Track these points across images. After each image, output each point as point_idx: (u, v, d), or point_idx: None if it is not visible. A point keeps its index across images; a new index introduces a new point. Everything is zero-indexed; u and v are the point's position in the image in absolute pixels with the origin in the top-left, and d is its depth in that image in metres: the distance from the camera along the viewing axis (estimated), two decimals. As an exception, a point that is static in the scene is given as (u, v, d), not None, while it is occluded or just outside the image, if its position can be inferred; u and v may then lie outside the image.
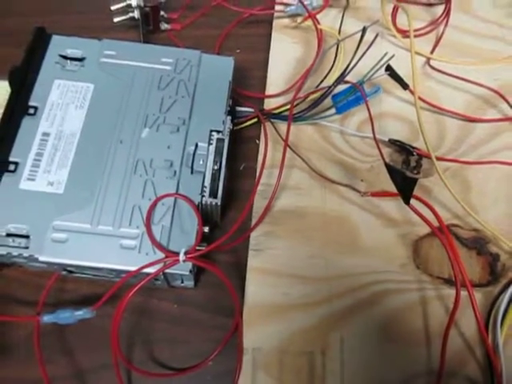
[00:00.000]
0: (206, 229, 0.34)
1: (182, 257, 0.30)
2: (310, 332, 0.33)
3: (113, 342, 0.32)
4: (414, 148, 0.37)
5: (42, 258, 0.31)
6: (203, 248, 0.32)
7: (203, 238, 0.33)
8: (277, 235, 0.36)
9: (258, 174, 0.37)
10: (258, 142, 0.40)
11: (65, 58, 0.37)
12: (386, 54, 0.35)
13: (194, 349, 0.34)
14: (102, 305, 0.31)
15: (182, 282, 0.35)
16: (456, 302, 0.32)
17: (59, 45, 0.37)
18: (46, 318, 0.32)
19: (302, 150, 0.39)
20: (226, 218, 0.38)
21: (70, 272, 0.34)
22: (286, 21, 0.46)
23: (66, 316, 0.32)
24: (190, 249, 0.31)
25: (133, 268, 0.31)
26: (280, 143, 0.38)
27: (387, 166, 0.32)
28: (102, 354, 0.34)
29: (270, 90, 0.42)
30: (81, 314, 0.31)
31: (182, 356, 0.34)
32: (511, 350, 0.32)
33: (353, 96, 0.35)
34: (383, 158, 0.33)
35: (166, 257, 0.31)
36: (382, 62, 0.35)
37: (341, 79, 0.35)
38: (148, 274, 0.31)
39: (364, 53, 0.34)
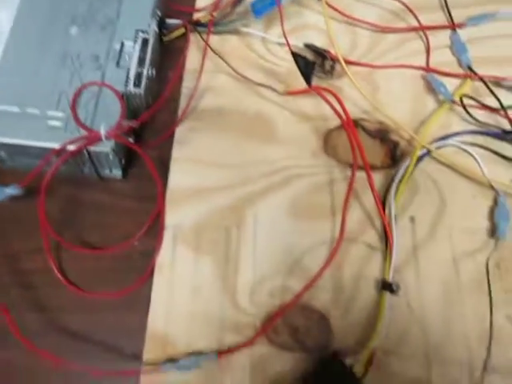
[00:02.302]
0: (135, 124, 0.36)
1: (103, 131, 0.33)
2: (226, 210, 0.36)
3: (41, 218, 0.34)
4: (326, 51, 0.40)
5: (-30, 136, 0.33)
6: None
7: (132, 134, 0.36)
8: (199, 130, 0.39)
9: (183, 77, 0.40)
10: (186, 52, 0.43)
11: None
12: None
13: (122, 232, 0.37)
14: (34, 194, 0.34)
15: (111, 171, 0.38)
16: (352, 176, 0.36)
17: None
18: (-24, 195, 0.34)
19: (226, 57, 0.42)
20: (154, 119, 0.41)
21: (1, 161, 0.36)
22: None
23: (-5, 192, 0.34)
24: (111, 128, 0.34)
25: (58, 145, 0.33)
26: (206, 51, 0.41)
27: (292, 53, 0.35)
28: (34, 239, 0.36)
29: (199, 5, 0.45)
30: (9, 190, 0.34)
31: (111, 239, 0.36)
32: (402, 222, 0.36)
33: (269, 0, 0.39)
34: (290, 48, 0.36)
35: (89, 135, 0.34)
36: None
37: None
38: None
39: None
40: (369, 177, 0.36)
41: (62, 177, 0.37)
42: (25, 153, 0.35)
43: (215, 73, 0.41)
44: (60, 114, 0.34)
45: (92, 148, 0.34)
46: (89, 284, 0.35)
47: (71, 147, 0.33)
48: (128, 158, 0.38)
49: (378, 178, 0.37)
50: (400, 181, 0.36)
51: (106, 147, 0.34)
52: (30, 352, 0.31)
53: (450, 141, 0.38)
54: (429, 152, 0.37)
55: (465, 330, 0.33)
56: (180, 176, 0.37)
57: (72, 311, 0.35)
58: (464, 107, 0.38)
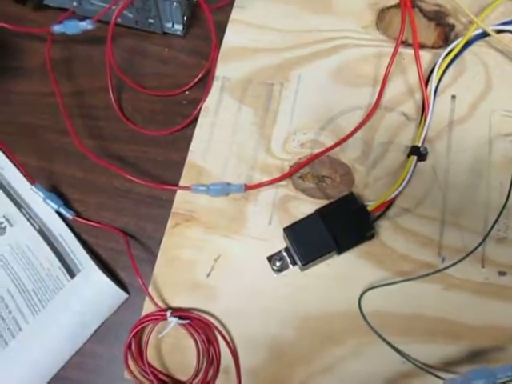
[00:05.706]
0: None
1: (169, -26, 0.36)
2: (273, 69, 0.38)
3: (108, 57, 0.38)
4: None
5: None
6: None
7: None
8: (261, -4, 0.41)
9: None
10: None
11: None
12: None
13: (176, 82, 0.40)
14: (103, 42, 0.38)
15: (173, 26, 0.41)
16: (397, 45, 0.37)
17: None
18: (57, 28, 0.38)
19: None
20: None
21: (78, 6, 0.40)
22: None
23: (72, 25, 0.38)
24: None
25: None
26: None
27: None
28: (99, 78, 0.40)
29: None
30: (84, 24, 0.38)
31: (166, 86, 0.40)
32: (443, 98, 0.36)
33: None
34: None
35: (157, -22, 0.37)
36: None
37: None
38: None
39: None
40: (416, 51, 0.36)
41: (129, 29, 0.41)
42: (99, -7, 0.38)
43: None
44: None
45: (158, -9, 0.37)
46: (142, 122, 0.39)
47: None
48: (190, 16, 0.41)
49: (427, 56, 0.37)
50: (446, 55, 0.36)
51: (171, -7, 0.37)
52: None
53: (509, 27, 0.37)
54: (485, 34, 0.36)
55: (487, 200, 0.33)
56: (235, 36, 0.39)
57: (125, 142, 0.39)
58: (530, -6, 0.37)
